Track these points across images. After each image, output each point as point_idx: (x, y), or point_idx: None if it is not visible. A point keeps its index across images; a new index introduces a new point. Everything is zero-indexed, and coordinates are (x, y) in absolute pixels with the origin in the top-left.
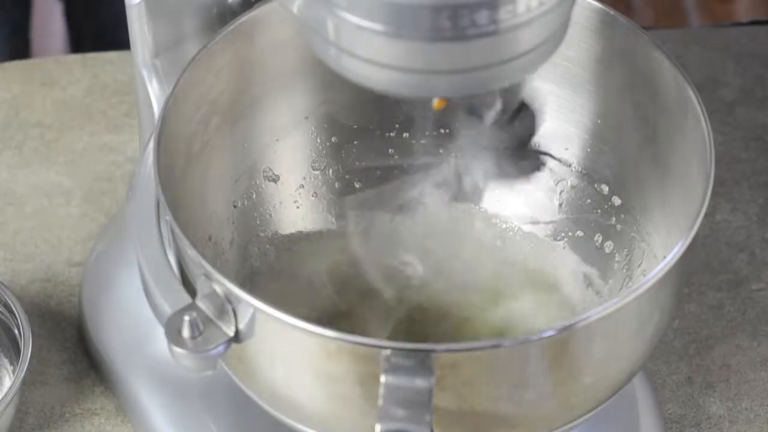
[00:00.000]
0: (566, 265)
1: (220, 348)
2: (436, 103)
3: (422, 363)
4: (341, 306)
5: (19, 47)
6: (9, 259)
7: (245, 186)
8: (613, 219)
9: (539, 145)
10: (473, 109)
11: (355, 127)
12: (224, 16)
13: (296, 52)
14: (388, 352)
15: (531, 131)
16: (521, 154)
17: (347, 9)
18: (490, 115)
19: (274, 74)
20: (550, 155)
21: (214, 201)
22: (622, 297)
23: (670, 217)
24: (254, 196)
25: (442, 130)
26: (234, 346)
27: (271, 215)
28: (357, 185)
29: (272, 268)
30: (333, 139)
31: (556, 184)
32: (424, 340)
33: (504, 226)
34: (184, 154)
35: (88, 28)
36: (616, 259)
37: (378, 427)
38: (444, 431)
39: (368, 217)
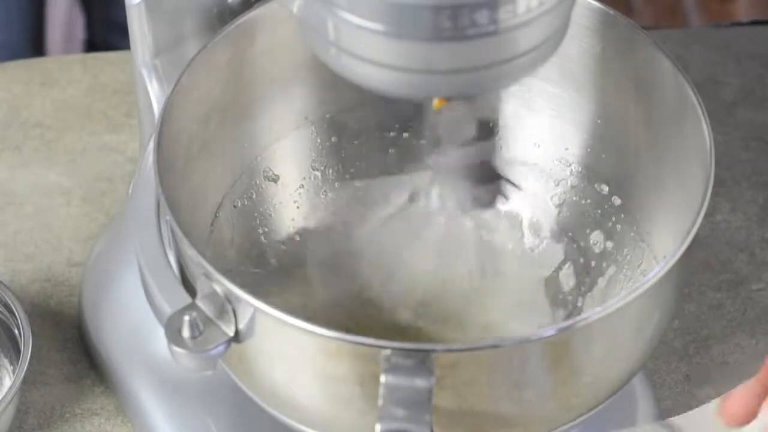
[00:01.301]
0: (566, 265)
1: (220, 348)
2: (436, 103)
3: (422, 363)
4: (341, 305)
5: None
6: (9, 259)
7: (245, 186)
8: (613, 219)
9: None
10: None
11: (355, 127)
12: (224, 16)
13: (296, 52)
14: (388, 352)
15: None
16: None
17: (347, 9)
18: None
19: (275, 74)
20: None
21: (214, 201)
22: (622, 297)
23: (670, 217)
24: (254, 196)
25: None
26: (234, 346)
27: (271, 215)
28: (357, 185)
29: (272, 268)
30: (333, 139)
31: (557, 185)
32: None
33: (503, 226)
34: (184, 154)
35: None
36: (617, 259)
37: (378, 427)
38: (444, 431)
39: (368, 216)
